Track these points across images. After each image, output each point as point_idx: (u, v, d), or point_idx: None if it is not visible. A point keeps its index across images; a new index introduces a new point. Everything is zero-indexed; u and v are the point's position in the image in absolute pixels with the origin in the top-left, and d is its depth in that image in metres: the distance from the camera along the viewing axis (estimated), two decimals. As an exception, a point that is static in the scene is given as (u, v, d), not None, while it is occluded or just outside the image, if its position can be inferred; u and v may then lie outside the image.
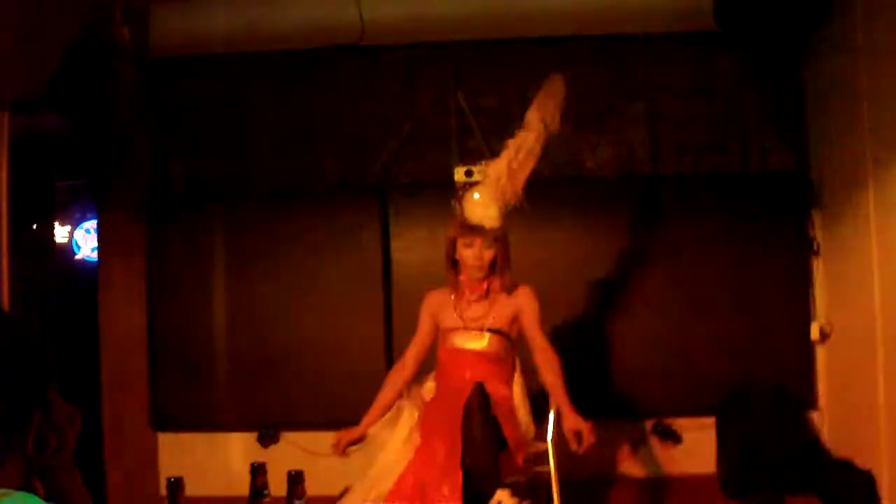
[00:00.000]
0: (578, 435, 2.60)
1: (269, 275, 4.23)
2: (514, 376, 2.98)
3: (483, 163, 3.00)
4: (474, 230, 2.83)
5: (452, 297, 2.97)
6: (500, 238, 2.87)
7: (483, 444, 2.60)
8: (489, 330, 2.91)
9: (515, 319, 2.94)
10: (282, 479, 1.49)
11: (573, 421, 2.63)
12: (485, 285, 2.91)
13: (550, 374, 2.81)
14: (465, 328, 2.92)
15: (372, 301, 4.17)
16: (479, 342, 2.91)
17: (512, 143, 2.91)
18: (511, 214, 2.91)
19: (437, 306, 3.00)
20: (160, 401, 4.24)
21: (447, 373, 2.93)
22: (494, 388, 2.83)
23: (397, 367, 3.06)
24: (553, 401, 3.00)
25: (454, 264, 2.94)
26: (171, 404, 4.23)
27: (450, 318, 2.96)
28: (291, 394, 4.16)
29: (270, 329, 4.20)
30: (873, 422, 3.51)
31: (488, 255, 2.86)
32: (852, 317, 3.81)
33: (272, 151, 4.39)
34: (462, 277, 2.94)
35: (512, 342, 2.98)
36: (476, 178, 3.66)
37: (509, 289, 2.93)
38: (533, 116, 2.92)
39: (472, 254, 2.85)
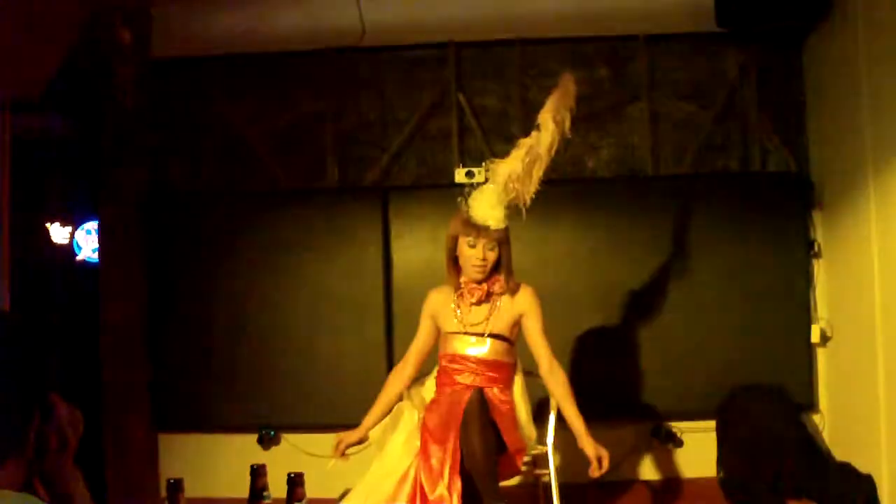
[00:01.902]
0: (599, 460, 2.70)
1: (270, 275, 4.22)
2: (514, 379, 2.97)
3: (488, 162, 2.96)
4: (479, 229, 2.80)
5: (454, 298, 2.94)
6: (503, 240, 2.84)
7: (481, 452, 2.60)
8: (490, 335, 2.89)
9: (517, 323, 2.93)
10: (282, 481, 1.48)
11: (594, 448, 2.71)
12: (485, 288, 2.88)
13: (561, 392, 2.85)
14: (466, 333, 2.90)
15: (373, 302, 4.16)
16: (480, 347, 2.88)
17: (524, 143, 2.87)
18: (512, 216, 2.89)
19: (437, 308, 2.97)
20: (160, 401, 4.23)
21: (447, 377, 2.91)
22: (494, 393, 2.83)
23: (398, 368, 3.05)
24: (555, 407, 3.01)
25: (455, 263, 2.92)
26: (172, 405, 4.23)
27: (450, 322, 2.93)
28: (292, 395, 4.15)
29: (271, 330, 4.20)
30: (874, 425, 3.50)
31: (492, 256, 2.82)
32: (853, 319, 3.80)
33: (272, 151, 4.39)
34: (462, 279, 2.91)
35: (513, 345, 2.96)
36: (477, 178, 3.66)
37: (512, 290, 2.91)
38: (547, 117, 2.89)
39: (475, 254, 2.81)
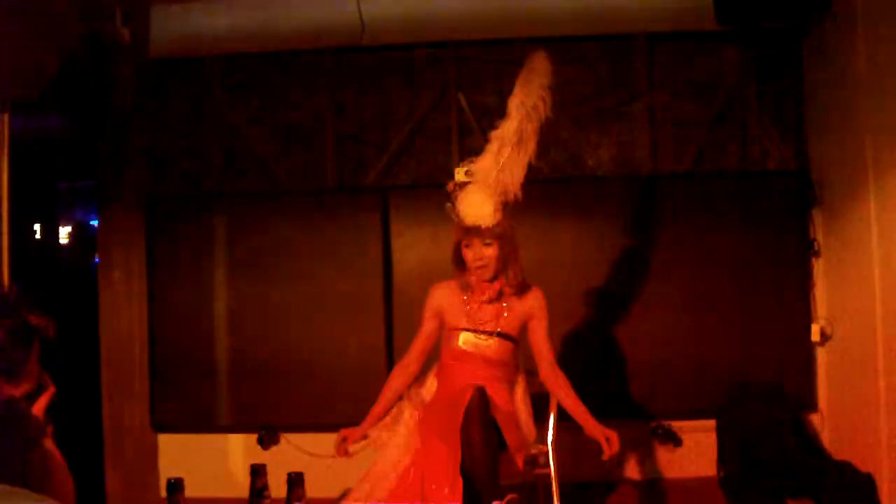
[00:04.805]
0: (608, 441, 2.68)
1: (270, 275, 4.22)
2: (516, 378, 2.97)
3: (465, 162, 2.92)
4: (471, 231, 2.78)
5: (464, 296, 2.90)
6: (502, 235, 2.79)
7: (482, 451, 2.59)
8: (498, 334, 2.88)
9: (524, 324, 2.92)
10: (282, 481, 1.49)
11: (601, 430, 2.72)
12: (496, 286, 2.84)
13: (563, 391, 2.85)
14: (473, 330, 2.88)
15: (373, 301, 4.16)
16: (487, 346, 2.87)
17: (494, 136, 2.82)
18: (513, 211, 2.84)
19: (444, 303, 2.92)
20: (160, 401, 4.23)
21: (450, 374, 2.90)
22: (496, 392, 2.81)
23: (401, 364, 2.99)
24: (555, 407, 3.01)
25: (462, 264, 2.90)
26: (171, 405, 4.23)
27: (458, 318, 2.89)
28: (292, 395, 4.15)
29: (271, 329, 4.20)
30: (874, 424, 3.50)
31: (488, 252, 2.79)
32: (853, 318, 3.80)
33: (272, 151, 4.39)
34: (472, 278, 2.89)
35: (518, 345, 2.95)
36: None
37: (520, 289, 2.89)
38: (512, 103, 2.83)
39: (473, 254, 2.79)
